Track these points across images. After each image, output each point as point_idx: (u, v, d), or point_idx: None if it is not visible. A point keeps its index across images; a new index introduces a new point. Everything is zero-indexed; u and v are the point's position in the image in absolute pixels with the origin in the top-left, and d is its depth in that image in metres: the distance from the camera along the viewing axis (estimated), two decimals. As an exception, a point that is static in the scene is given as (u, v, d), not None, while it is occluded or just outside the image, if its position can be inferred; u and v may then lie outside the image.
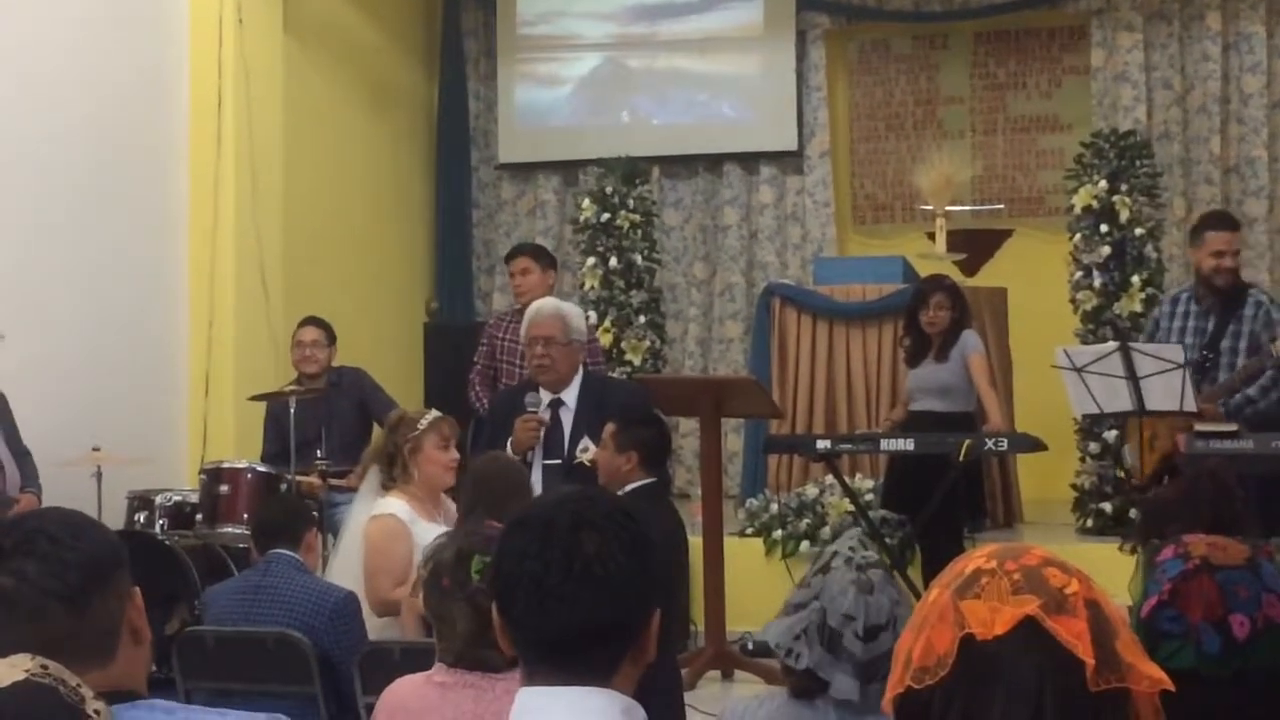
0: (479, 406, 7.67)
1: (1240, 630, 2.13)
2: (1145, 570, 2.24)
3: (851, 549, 2.87)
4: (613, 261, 9.76)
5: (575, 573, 1.88)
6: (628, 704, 1.91)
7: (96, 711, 1.43)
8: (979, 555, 1.63)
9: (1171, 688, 1.58)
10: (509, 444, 5.94)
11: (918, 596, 1.66)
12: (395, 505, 5.21)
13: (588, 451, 5.85)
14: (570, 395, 6.06)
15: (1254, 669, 2.12)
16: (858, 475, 8.29)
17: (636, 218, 9.87)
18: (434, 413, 5.46)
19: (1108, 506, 8.38)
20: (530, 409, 6.00)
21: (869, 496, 7.99)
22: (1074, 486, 8.63)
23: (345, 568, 5.28)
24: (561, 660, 1.90)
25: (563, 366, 6.04)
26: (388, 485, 5.29)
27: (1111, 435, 8.38)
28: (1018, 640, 1.54)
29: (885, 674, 1.69)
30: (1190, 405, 6.55)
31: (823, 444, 7.54)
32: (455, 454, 5.38)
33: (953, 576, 1.62)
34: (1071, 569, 1.60)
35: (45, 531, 1.93)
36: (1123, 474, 7.40)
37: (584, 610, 1.88)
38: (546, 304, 6.29)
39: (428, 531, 4.97)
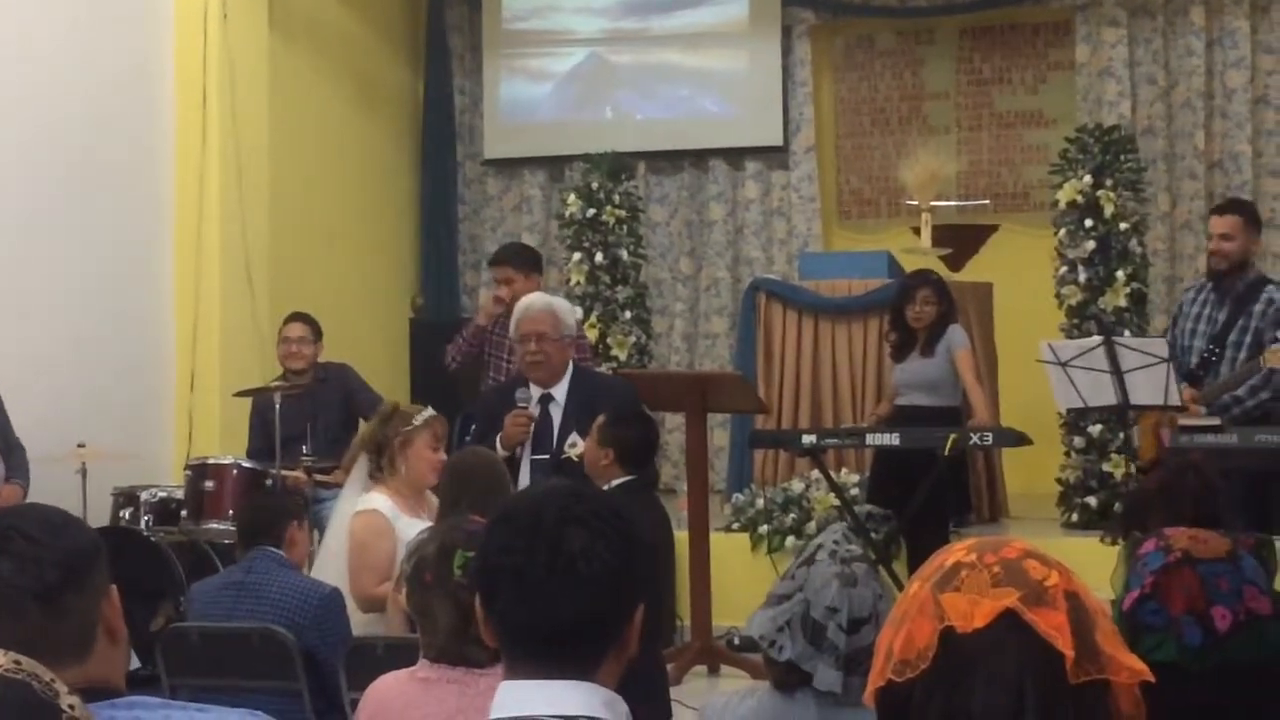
0: (453, 357, 7.63)
1: (1222, 623, 2.14)
2: (1127, 563, 2.25)
3: (836, 543, 2.89)
4: (598, 257, 9.76)
5: (560, 568, 1.88)
6: (610, 697, 1.91)
7: (71, 706, 1.43)
8: (959, 548, 1.63)
9: (1151, 679, 1.58)
10: (498, 439, 5.95)
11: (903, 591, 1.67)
12: (379, 500, 5.20)
13: (576, 446, 5.85)
14: (560, 391, 6.06)
15: (1235, 662, 2.12)
16: (843, 470, 8.29)
17: (622, 213, 9.86)
18: (430, 410, 5.45)
19: (1092, 501, 8.40)
20: (520, 404, 6.00)
21: (855, 491, 7.99)
22: (1059, 481, 8.64)
23: (331, 562, 5.27)
24: (544, 654, 1.90)
25: (554, 362, 6.04)
26: (375, 475, 5.29)
27: (1097, 430, 8.39)
28: (997, 633, 1.54)
29: (867, 668, 1.69)
30: (1175, 399, 6.56)
31: (808, 439, 7.55)
32: (443, 455, 5.36)
33: (932, 570, 1.62)
34: (1051, 561, 1.60)
35: (21, 529, 1.93)
36: (1128, 462, 7.43)
37: (568, 606, 1.88)
38: (537, 299, 6.27)
39: (411, 527, 4.97)
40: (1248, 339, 6.80)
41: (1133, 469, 7.39)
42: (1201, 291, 7.10)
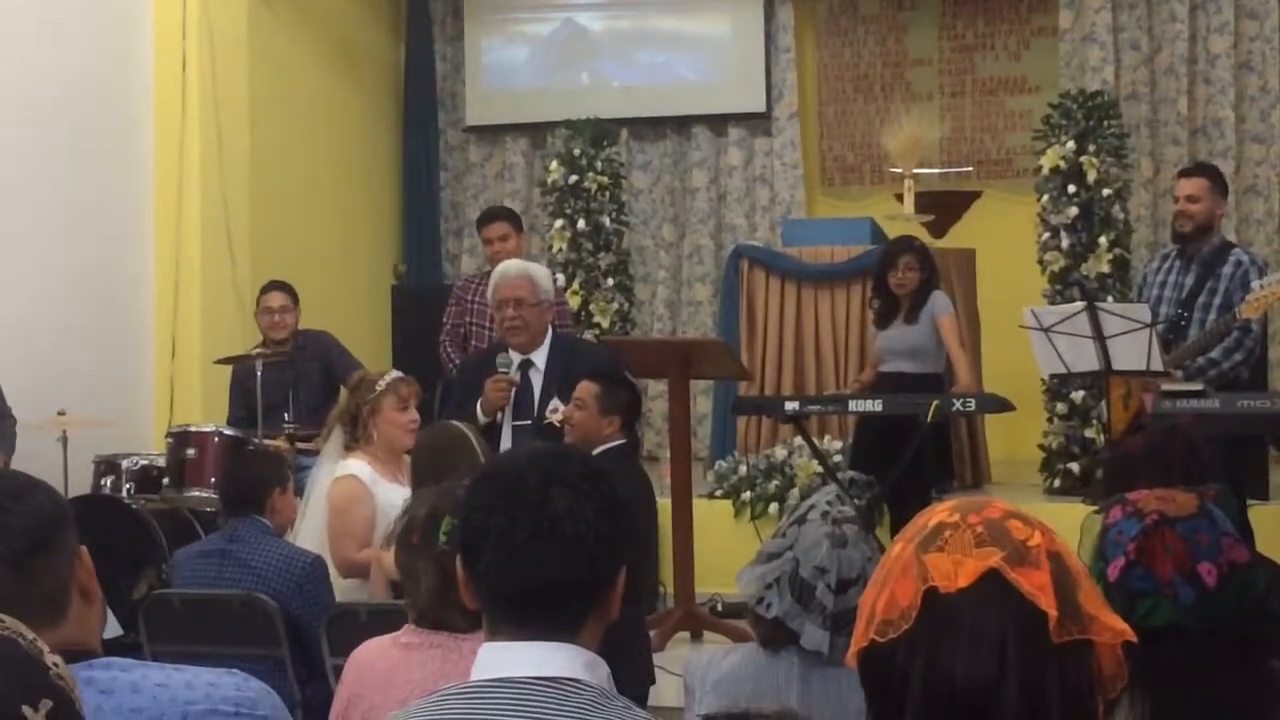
0: (451, 368, 7.62)
1: (1209, 578, 2.16)
2: (1100, 534, 2.25)
3: (829, 503, 2.90)
4: (581, 224, 9.73)
5: (544, 530, 1.88)
6: (591, 659, 1.91)
7: (55, 663, 1.44)
8: (941, 509, 1.63)
9: (1133, 638, 1.58)
10: (479, 405, 5.93)
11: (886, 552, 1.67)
12: (356, 466, 5.20)
13: (557, 412, 5.85)
14: (540, 356, 6.05)
15: (1226, 616, 2.14)
16: (826, 437, 8.30)
17: (605, 180, 9.83)
18: (394, 373, 5.45)
19: (1075, 467, 8.41)
20: (501, 370, 5.99)
21: (838, 458, 8.00)
22: (1041, 447, 8.66)
23: (311, 529, 5.26)
24: (525, 616, 1.90)
25: (533, 327, 6.03)
26: (350, 446, 5.28)
27: (1079, 396, 8.40)
28: (981, 593, 1.54)
29: (853, 629, 1.69)
30: (1157, 365, 6.57)
31: (791, 405, 7.54)
32: (414, 415, 5.35)
33: (915, 530, 1.62)
34: (1034, 521, 1.60)
35: None
36: (1102, 430, 7.48)
37: (551, 567, 1.88)
38: (512, 265, 6.26)
39: (390, 492, 4.98)
40: (1217, 301, 6.81)
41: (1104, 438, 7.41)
42: (1166, 260, 7.12)
